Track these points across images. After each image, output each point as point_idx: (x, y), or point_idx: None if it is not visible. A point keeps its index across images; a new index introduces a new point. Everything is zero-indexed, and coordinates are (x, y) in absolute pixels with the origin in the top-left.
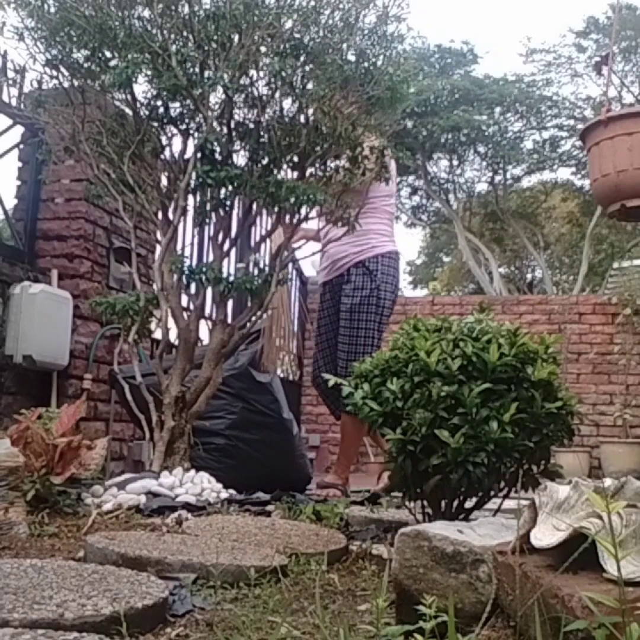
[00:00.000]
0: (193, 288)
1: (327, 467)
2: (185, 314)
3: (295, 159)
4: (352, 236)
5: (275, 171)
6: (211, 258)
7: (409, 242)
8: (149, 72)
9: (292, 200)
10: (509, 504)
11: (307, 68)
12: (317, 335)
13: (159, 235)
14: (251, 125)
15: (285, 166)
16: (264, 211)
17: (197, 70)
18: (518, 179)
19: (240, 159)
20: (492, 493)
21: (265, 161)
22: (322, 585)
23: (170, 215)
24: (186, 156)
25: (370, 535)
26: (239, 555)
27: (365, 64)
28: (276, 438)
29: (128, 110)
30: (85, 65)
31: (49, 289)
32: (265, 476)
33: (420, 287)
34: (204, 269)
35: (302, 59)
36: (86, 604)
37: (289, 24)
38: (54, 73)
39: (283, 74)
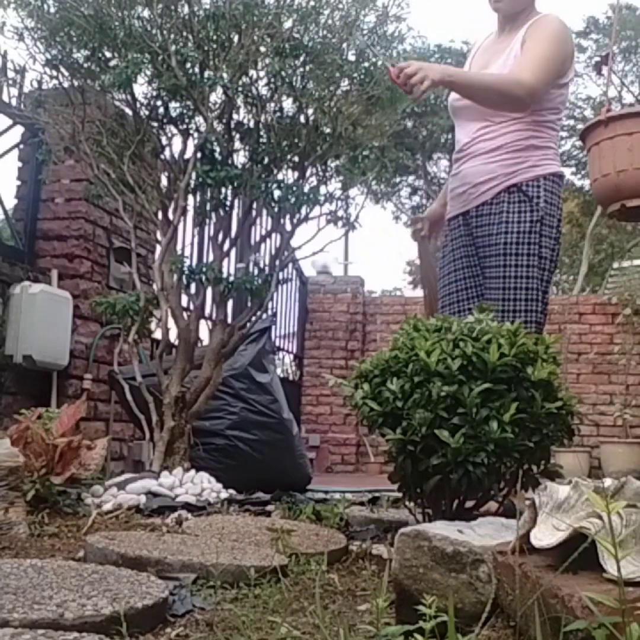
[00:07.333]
0: (193, 288)
1: (327, 466)
2: (185, 314)
3: (296, 159)
4: (502, 151)
5: (275, 171)
6: (211, 258)
7: (409, 242)
8: (148, 72)
9: (293, 200)
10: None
11: (307, 68)
12: (443, 286)
13: (159, 235)
14: (251, 125)
15: (285, 166)
16: (264, 211)
17: (197, 70)
18: None
19: (240, 159)
20: (492, 493)
21: (265, 161)
22: (322, 585)
23: (170, 215)
24: (186, 156)
25: (370, 535)
26: (239, 555)
27: (365, 64)
28: (276, 438)
29: (128, 110)
30: (85, 65)
31: (49, 289)
32: (265, 476)
33: (421, 287)
34: (204, 269)
35: (302, 58)
36: (86, 604)
37: (288, 24)
38: (54, 73)
39: (283, 74)
